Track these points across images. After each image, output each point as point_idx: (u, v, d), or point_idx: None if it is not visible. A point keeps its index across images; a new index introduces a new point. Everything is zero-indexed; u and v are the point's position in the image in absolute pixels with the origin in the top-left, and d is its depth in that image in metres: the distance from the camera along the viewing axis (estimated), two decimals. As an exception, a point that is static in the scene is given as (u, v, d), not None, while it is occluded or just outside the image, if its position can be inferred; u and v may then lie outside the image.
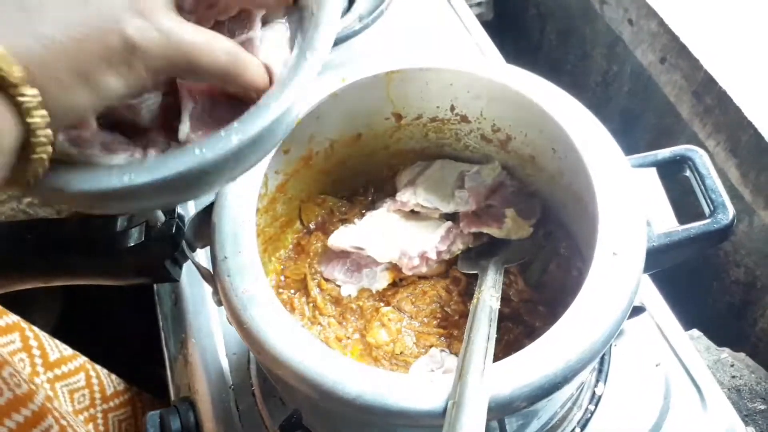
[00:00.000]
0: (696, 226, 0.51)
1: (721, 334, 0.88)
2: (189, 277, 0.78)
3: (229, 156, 0.35)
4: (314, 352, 0.44)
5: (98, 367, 0.83)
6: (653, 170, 0.56)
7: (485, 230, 0.64)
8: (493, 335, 0.47)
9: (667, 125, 1.06)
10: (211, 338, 0.74)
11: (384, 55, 0.62)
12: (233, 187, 0.53)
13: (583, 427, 0.64)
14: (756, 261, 0.94)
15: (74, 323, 0.82)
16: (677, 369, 0.67)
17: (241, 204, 0.52)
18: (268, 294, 0.47)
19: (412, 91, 0.64)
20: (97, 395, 0.81)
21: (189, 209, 0.79)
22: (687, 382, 0.67)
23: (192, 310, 0.77)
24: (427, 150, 0.71)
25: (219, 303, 0.50)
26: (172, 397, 0.77)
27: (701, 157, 0.55)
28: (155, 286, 0.86)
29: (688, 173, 0.56)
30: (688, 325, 0.83)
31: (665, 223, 0.53)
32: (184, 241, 0.51)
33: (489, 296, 0.54)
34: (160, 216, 0.49)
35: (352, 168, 0.70)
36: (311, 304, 0.64)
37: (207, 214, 0.53)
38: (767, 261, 0.91)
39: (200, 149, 0.34)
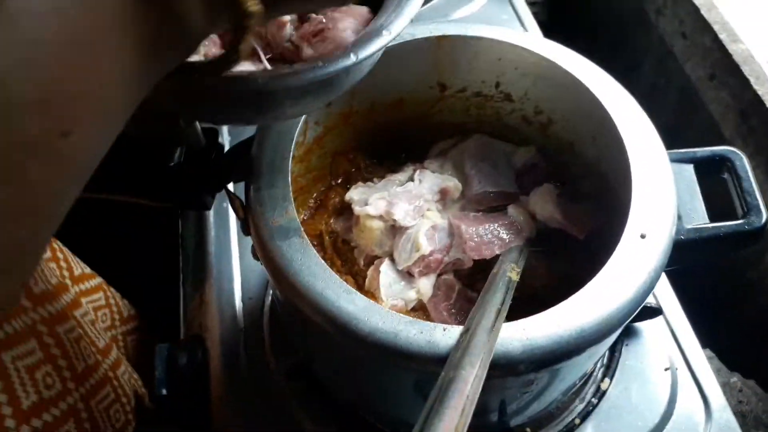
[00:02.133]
0: (727, 225, 0.51)
1: (734, 359, 0.87)
2: (216, 220, 0.80)
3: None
4: (335, 287, 0.45)
5: (112, 289, 0.85)
6: (690, 167, 0.56)
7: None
8: (508, 302, 0.48)
9: (708, 144, 1.05)
10: (230, 281, 0.75)
11: (436, 22, 0.62)
12: (274, 126, 0.54)
13: (583, 419, 0.64)
14: (780, 289, 0.92)
15: (89, 241, 0.84)
16: (686, 376, 0.67)
17: (281, 142, 0.53)
18: (296, 227, 0.48)
19: (460, 61, 0.65)
20: (116, 316, 0.82)
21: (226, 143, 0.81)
22: (694, 391, 0.66)
23: (215, 252, 0.78)
24: (467, 125, 0.72)
25: (246, 232, 0.51)
26: (182, 333, 0.78)
27: (741, 160, 0.55)
28: (180, 227, 0.87)
29: (725, 175, 0.55)
30: (702, 344, 0.83)
31: (696, 219, 0.52)
32: (222, 171, 0.52)
33: (510, 268, 0.54)
34: (202, 140, 0.50)
35: (390, 132, 0.71)
36: (328, 261, 0.64)
37: (245, 147, 0.54)
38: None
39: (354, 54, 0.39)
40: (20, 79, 0.25)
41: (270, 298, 0.73)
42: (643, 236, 0.47)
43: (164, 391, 0.70)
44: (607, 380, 0.66)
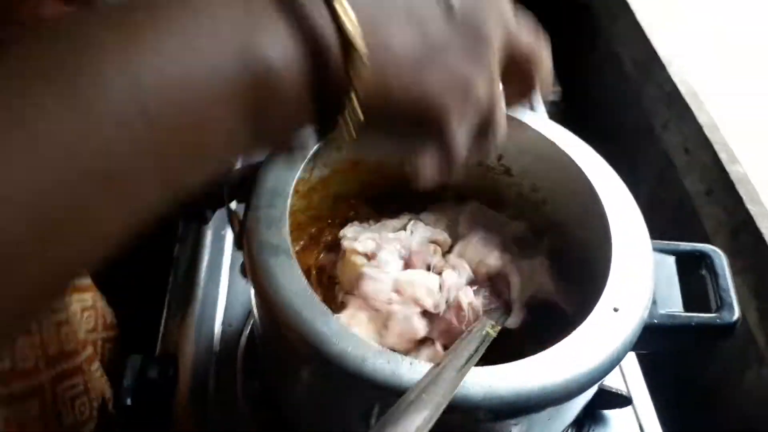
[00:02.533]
0: (699, 316, 0.53)
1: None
2: (212, 245, 0.82)
3: None
4: (313, 308, 0.46)
5: (99, 294, 0.86)
6: (672, 259, 0.58)
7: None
8: (480, 353, 0.49)
9: (698, 257, 1.07)
10: (213, 306, 0.76)
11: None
12: (281, 156, 0.57)
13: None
14: (756, 414, 0.92)
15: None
16: (648, 472, 0.66)
17: (286, 170, 0.56)
18: (286, 247, 0.50)
19: (469, 130, 0.68)
20: (100, 320, 0.83)
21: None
22: (655, 489, 0.66)
23: (204, 275, 0.80)
24: (464, 192, 0.74)
25: (239, 246, 0.53)
26: (158, 350, 0.78)
27: (720, 258, 0.57)
28: (176, 248, 0.89)
29: (704, 272, 0.57)
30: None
31: (671, 307, 0.54)
32: (225, 187, 0.55)
33: (490, 325, 0.55)
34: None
35: (395, 187, 0.74)
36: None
37: (252, 170, 0.57)
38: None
39: None
40: None
41: (250, 327, 0.74)
42: (616, 309, 0.49)
43: (129, 401, 0.70)
44: (568, 464, 0.65)
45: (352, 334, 0.45)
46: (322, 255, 0.69)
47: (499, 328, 0.55)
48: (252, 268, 0.49)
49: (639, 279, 0.51)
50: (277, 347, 0.53)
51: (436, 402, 0.36)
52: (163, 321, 0.83)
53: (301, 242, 0.70)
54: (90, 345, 0.75)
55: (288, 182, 0.55)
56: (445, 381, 0.40)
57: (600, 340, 0.46)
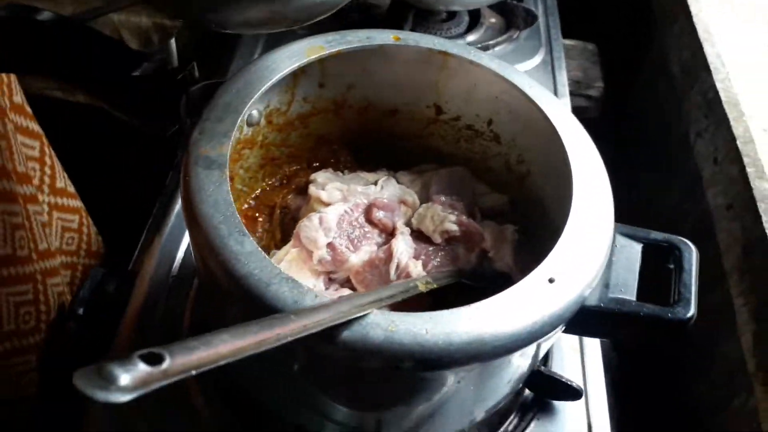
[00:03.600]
0: (649, 307, 0.49)
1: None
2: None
3: None
4: (231, 225, 0.45)
5: (90, 220, 0.87)
6: (639, 246, 0.54)
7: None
8: (395, 299, 0.46)
9: (708, 274, 1.01)
10: (181, 231, 0.76)
11: (447, 40, 0.63)
12: (246, 74, 0.56)
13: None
14: (735, 441, 0.86)
15: (82, 163, 0.86)
16: (588, 472, 0.63)
17: (246, 89, 0.54)
18: (223, 161, 0.48)
19: (460, 87, 0.65)
20: (84, 245, 0.84)
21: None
22: (590, 490, 0.62)
23: (179, 202, 0.79)
24: (453, 158, 0.71)
25: (180, 159, 0.51)
26: (129, 268, 0.79)
27: (690, 253, 0.53)
28: (168, 177, 0.89)
29: (671, 265, 0.53)
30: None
31: (624, 294, 0.50)
32: (183, 99, 0.54)
33: (424, 281, 0.53)
34: (174, 62, 0.52)
35: (379, 140, 0.71)
36: (269, 233, 0.64)
37: (213, 87, 0.55)
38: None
39: None
40: None
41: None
42: (551, 280, 0.45)
43: (81, 311, 0.71)
44: (504, 448, 0.62)
45: (264, 258, 0.43)
46: (290, 196, 0.67)
47: (433, 286, 0.52)
48: (183, 178, 0.48)
49: (587, 257, 0.48)
50: (198, 265, 0.51)
51: (299, 324, 0.34)
52: (140, 243, 0.84)
53: (273, 179, 0.69)
54: (62, 264, 0.75)
55: (245, 100, 0.53)
56: (327, 311, 0.37)
57: (522, 308, 0.43)
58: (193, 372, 0.30)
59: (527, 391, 0.66)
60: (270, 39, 1.01)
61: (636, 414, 0.75)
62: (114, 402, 0.25)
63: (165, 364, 0.28)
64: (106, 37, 0.52)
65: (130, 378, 0.26)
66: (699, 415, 0.91)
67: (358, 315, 0.41)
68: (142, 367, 0.27)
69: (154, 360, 0.28)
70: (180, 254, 0.74)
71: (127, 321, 0.68)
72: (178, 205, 0.79)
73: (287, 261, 0.55)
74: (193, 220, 0.45)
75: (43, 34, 0.57)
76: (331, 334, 0.40)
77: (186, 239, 0.75)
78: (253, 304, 0.42)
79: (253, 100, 0.53)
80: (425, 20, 1.09)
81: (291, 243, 0.57)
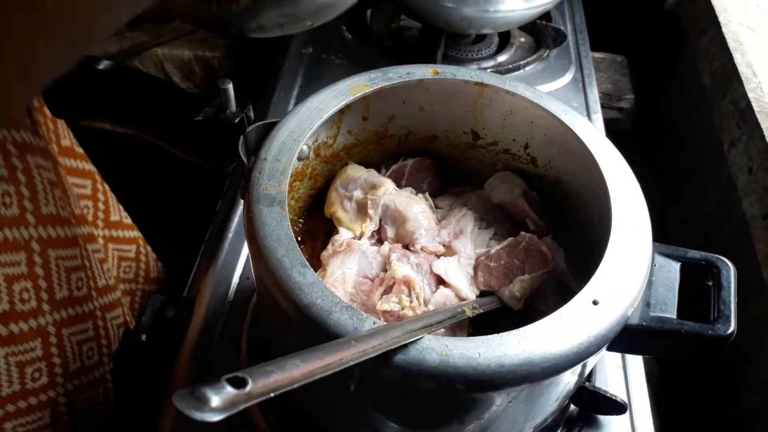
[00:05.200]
0: (690, 325, 0.51)
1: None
2: (241, 211, 0.85)
3: None
4: (293, 258, 0.48)
5: (149, 248, 0.91)
6: (677, 265, 0.56)
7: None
8: (444, 325, 0.49)
9: (746, 284, 1.02)
10: (235, 257, 0.80)
11: (481, 70, 0.66)
12: (298, 115, 0.59)
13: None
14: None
15: (139, 193, 0.91)
16: (634, 485, 0.64)
17: (298, 128, 0.58)
18: (282, 199, 0.52)
19: (496, 115, 0.68)
20: (142, 272, 0.88)
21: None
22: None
23: (234, 229, 0.83)
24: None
25: (242, 195, 0.55)
26: (185, 294, 0.83)
27: (728, 270, 0.54)
28: (219, 204, 0.94)
29: (710, 282, 0.55)
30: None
31: (665, 312, 0.52)
32: (241, 139, 0.58)
33: (471, 306, 0.56)
34: (233, 106, 0.56)
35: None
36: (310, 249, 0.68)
37: (269, 128, 0.59)
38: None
39: None
40: None
41: (264, 283, 0.77)
42: (595, 302, 0.48)
43: (144, 337, 0.75)
44: (553, 462, 0.64)
45: (325, 288, 0.47)
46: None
47: (480, 311, 0.55)
48: (246, 215, 0.52)
49: (628, 278, 0.50)
50: (262, 294, 0.55)
51: (359, 349, 0.37)
52: (194, 269, 0.88)
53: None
54: (117, 291, 0.80)
55: (298, 139, 0.57)
56: (383, 336, 0.41)
57: (568, 330, 0.46)
58: (272, 394, 0.33)
59: (573, 407, 0.68)
60: (306, 75, 1.05)
61: (682, 426, 0.76)
62: (208, 421, 0.29)
63: (248, 387, 0.31)
64: (167, 84, 0.56)
65: (220, 400, 0.29)
66: (745, 425, 0.92)
67: (412, 340, 0.44)
68: (229, 390, 0.30)
69: (239, 383, 0.31)
70: (235, 280, 0.78)
71: (188, 346, 0.72)
72: (231, 233, 0.83)
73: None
74: (258, 255, 0.49)
75: (105, 82, 0.61)
76: (388, 357, 0.43)
77: (239, 266, 0.79)
78: (316, 331, 0.46)
79: (306, 138, 0.57)
80: (456, 43, 1.12)
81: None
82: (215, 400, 0.28)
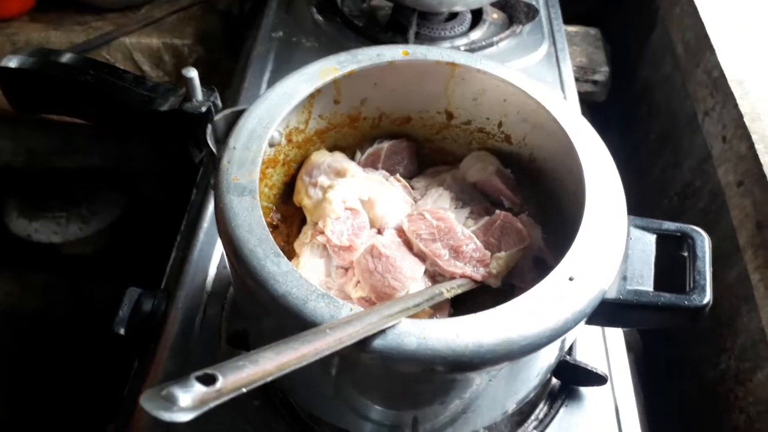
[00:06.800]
0: (667, 296, 0.51)
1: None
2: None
3: None
4: (266, 247, 0.48)
5: None
6: (653, 237, 0.56)
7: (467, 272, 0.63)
8: (422, 307, 0.49)
9: (723, 250, 1.03)
10: (211, 247, 0.79)
11: (452, 49, 0.66)
12: (266, 101, 0.58)
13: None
14: (759, 412, 0.89)
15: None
16: (617, 455, 0.65)
17: (268, 116, 0.57)
18: (253, 188, 0.51)
19: (469, 94, 0.67)
20: None
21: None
22: (621, 472, 0.64)
23: (209, 218, 0.82)
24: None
25: (213, 186, 0.54)
26: (162, 286, 0.82)
27: (703, 241, 0.55)
28: (193, 193, 0.93)
29: (685, 253, 0.55)
30: None
31: (642, 285, 0.53)
32: (209, 128, 0.57)
33: (449, 288, 0.55)
34: (199, 95, 0.55)
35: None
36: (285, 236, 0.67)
37: (237, 116, 0.58)
38: (770, 416, 0.86)
39: None
40: None
41: (242, 272, 0.76)
42: (571, 278, 0.48)
43: (122, 331, 0.74)
44: (534, 434, 0.65)
45: (300, 277, 0.46)
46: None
47: (458, 291, 0.55)
48: (217, 205, 0.51)
49: (604, 253, 0.50)
50: (237, 285, 0.54)
51: (335, 337, 0.37)
52: (170, 260, 0.87)
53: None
54: None
55: (268, 126, 0.56)
56: (360, 322, 0.40)
57: (545, 307, 0.46)
58: (244, 390, 0.32)
59: (554, 380, 0.68)
60: (277, 60, 1.03)
61: (663, 393, 0.77)
62: (177, 421, 0.28)
63: (218, 384, 0.31)
64: (131, 75, 0.55)
65: (189, 399, 0.29)
66: (725, 389, 0.93)
67: (390, 324, 0.44)
68: (199, 388, 0.30)
69: (208, 380, 0.30)
70: (212, 270, 0.77)
71: (167, 338, 0.72)
72: (206, 223, 0.82)
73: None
74: (231, 246, 0.48)
75: (68, 75, 0.60)
76: (366, 343, 0.43)
77: (216, 256, 0.78)
78: (292, 320, 0.45)
79: (275, 124, 0.56)
80: (429, 21, 1.11)
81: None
82: (184, 399, 0.28)
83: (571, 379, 0.67)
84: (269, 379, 0.32)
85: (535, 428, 0.66)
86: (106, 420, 0.78)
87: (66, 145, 1.10)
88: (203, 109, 0.55)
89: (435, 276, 0.60)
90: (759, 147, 0.95)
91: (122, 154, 0.95)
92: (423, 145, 0.74)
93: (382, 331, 0.43)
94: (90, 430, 0.87)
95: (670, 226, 0.56)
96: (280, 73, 1.00)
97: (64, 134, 1.05)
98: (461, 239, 0.60)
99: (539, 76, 1.06)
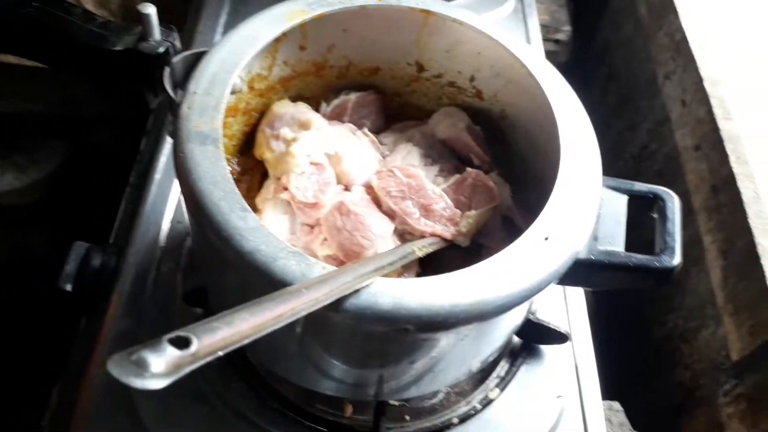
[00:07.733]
0: (637, 257, 0.51)
1: (644, 422, 0.86)
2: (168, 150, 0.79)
3: None
4: (232, 201, 0.45)
5: None
6: (624, 198, 0.56)
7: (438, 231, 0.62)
8: (396, 266, 0.48)
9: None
10: (164, 201, 0.75)
11: (427, -2, 0.63)
12: (228, 44, 0.54)
13: (462, 420, 0.64)
14: (703, 369, 0.92)
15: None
16: (576, 411, 0.66)
17: (230, 58, 0.53)
18: (216, 136, 0.48)
19: (441, 45, 0.65)
20: None
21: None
22: (579, 427, 0.66)
23: (161, 170, 0.78)
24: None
25: (171, 133, 0.51)
26: (111, 240, 0.78)
27: (673, 202, 0.55)
28: (142, 143, 0.88)
29: (655, 214, 0.55)
30: (614, 395, 0.82)
31: (613, 245, 0.52)
32: (167, 71, 0.52)
33: (420, 246, 0.54)
34: (156, 34, 0.50)
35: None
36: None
37: (197, 59, 0.54)
38: (713, 373, 0.90)
39: None
40: None
41: (198, 225, 0.73)
42: (546, 238, 0.47)
43: (69, 287, 0.70)
44: (497, 390, 0.65)
45: (268, 234, 0.44)
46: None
47: (429, 250, 0.53)
48: (177, 155, 0.47)
49: (578, 213, 0.49)
50: (198, 240, 0.52)
51: (310, 297, 0.35)
52: (119, 214, 0.83)
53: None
54: None
55: (231, 70, 0.52)
56: (335, 281, 0.38)
57: (521, 267, 0.45)
58: (220, 353, 0.30)
59: (515, 339, 0.69)
60: (234, 1, 0.97)
61: (617, 350, 0.79)
62: (150, 389, 0.26)
63: (193, 347, 0.28)
64: (79, 9, 0.50)
65: (162, 364, 0.26)
66: (672, 347, 0.96)
67: (365, 284, 0.42)
68: (172, 351, 0.27)
69: (182, 343, 0.28)
70: (165, 224, 0.73)
71: (118, 295, 0.68)
72: (158, 174, 0.78)
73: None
74: (193, 198, 0.45)
75: (10, 12, 0.54)
76: (340, 303, 0.41)
77: (169, 209, 0.75)
78: (261, 279, 0.43)
79: (239, 69, 0.52)
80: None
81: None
82: (157, 365, 0.25)
83: (532, 338, 0.67)
84: (246, 341, 0.30)
85: (496, 386, 0.66)
86: (49, 381, 0.74)
87: (2, 86, 1.02)
88: (161, 49, 0.51)
89: (404, 234, 0.58)
90: (717, 112, 0.96)
91: (68, 98, 0.88)
92: (391, 98, 0.72)
93: (357, 291, 0.41)
94: (31, 392, 0.83)
95: (642, 187, 0.56)
96: (238, 15, 0.94)
97: (1, 75, 0.97)
98: (432, 197, 0.58)
99: (508, 28, 1.03)
